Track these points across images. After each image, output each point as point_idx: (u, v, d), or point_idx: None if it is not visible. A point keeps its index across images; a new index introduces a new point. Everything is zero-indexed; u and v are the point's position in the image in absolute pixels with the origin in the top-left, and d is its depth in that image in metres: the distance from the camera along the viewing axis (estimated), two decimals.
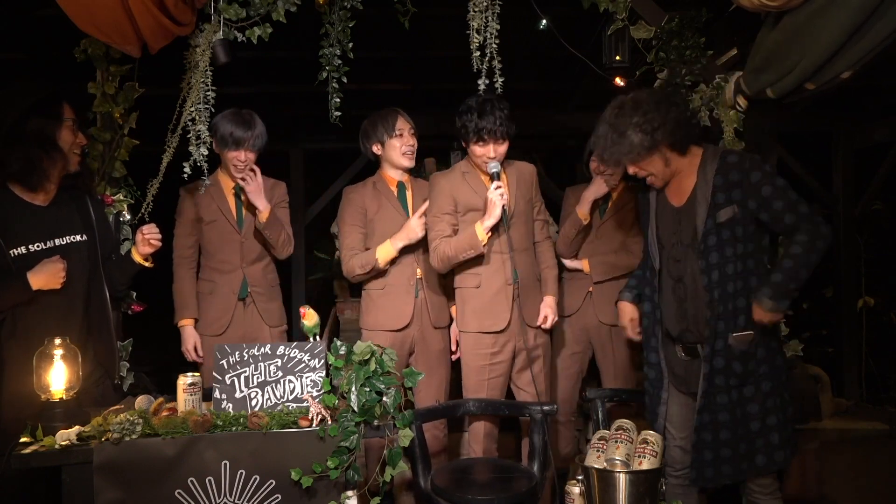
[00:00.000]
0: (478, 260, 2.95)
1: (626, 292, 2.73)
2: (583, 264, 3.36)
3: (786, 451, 2.33)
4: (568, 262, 3.38)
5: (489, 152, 2.89)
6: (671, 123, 2.31)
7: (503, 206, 2.82)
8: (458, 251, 2.89)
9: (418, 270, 3.09)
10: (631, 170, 2.43)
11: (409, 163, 3.11)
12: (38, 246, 2.44)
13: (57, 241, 2.48)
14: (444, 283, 3.18)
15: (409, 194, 3.16)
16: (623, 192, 3.43)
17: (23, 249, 2.42)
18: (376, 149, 3.14)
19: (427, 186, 3.15)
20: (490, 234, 2.87)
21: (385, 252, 3.02)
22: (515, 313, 2.97)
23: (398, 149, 3.07)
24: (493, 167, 2.87)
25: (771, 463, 2.32)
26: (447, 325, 3.22)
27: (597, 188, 3.27)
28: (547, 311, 3.04)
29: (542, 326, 3.04)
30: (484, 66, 2.73)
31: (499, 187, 2.82)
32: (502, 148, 2.91)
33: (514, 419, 3.31)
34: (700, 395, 2.35)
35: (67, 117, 2.49)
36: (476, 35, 2.73)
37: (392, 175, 3.18)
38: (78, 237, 2.55)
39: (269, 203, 3.11)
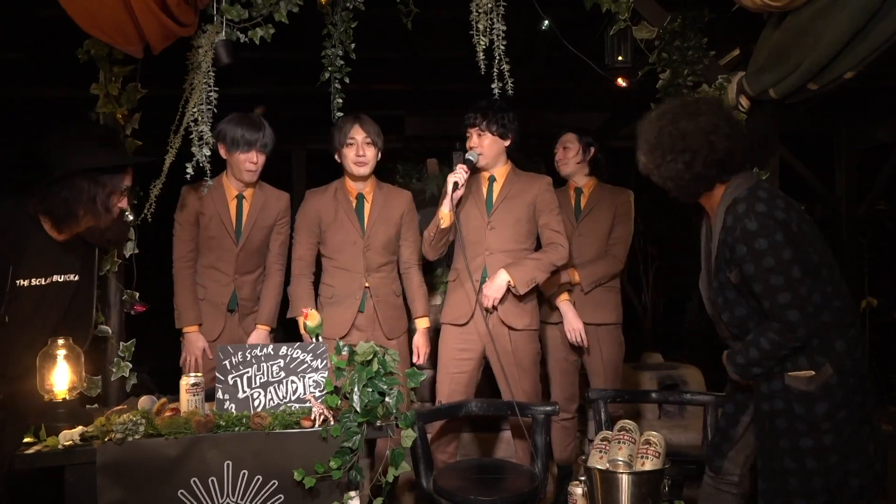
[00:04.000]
0: (459, 254, 3.09)
1: None
2: (570, 274, 3.34)
3: (867, 498, 2.13)
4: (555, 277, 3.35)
5: (472, 142, 3.07)
6: (699, 164, 2.12)
7: (456, 183, 2.94)
8: (429, 230, 3.06)
9: (366, 282, 3.06)
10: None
11: (360, 171, 3.04)
12: (38, 281, 2.43)
13: (55, 279, 2.48)
14: (398, 293, 3.20)
15: (367, 206, 3.10)
16: (595, 189, 3.49)
17: (25, 283, 2.40)
18: (336, 157, 3.13)
19: (391, 196, 3.18)
20: (452, 210, 2.98)
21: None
22: (486, 313, 3.01)
23: (349, 157, 3.03)
24: (469, 155, 3.05)
25: None
26: (403, 334, 3.20)
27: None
28: (490, 287, 2.96)
29: (483, 303, 2.98)
30: (495, 70, 2.74)
31: (461, 167, 2.98)
32: (484, 140, 3.05)
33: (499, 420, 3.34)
34: (763, 437, 2.21)
35: (126, 185, 2.49)
36: (482, 38, 2.73)
37: (352, 185, 3.14)
38: (72, 277, 2.54)
39: (271, 219, 3.16)
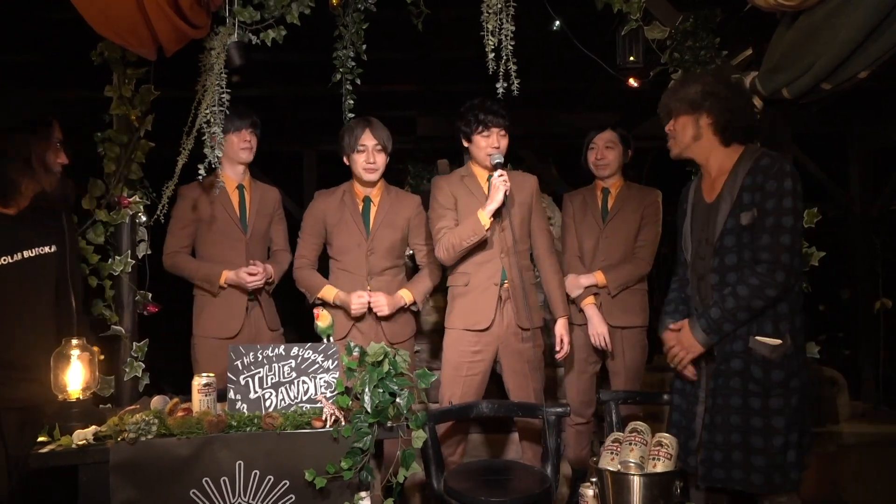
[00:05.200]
0: (468, 259, 3.03)
1: (668, 319, 2.56)
2: (596, 277, 3.31)
3: (799, 471, 2.27)
4: (582, 279, 3.31)
5: (493, 142, 2.98)
6: (734, 105, 2.33)
7: (505, 192, 2.87)
8: (462, 238, 2.94)
9: (368, 285, 3.07)
10: (668, 125, 2.45)
11: (370, 177, 3.05)
12: (5, 259, 2.35)
13: (25, 254, 2.40)
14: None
15: (373, 210, 3.11)
16: (622, 189, 3.43)
17: None
18: (345, 160, 3.13)
19: (399, 200, 3.18)
20: (489, 228, 2.91)
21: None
22: (501, 315, 3.01)
23: (359, 164, 3.04)
24: (497, 158, 2.95)
25: (787, 482, 2.24)
26: (408, 340, 3.18)
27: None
28: (561, 333, 3.05)
29: (557, 354, 3.06)
30: (501, 70, 2.74)
31: (502, 175, 2.88)
32: (504, 141, 3.00)
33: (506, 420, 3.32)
34: (709, 393, 2.34)
35: (56, 138, 2.43)
36: (491, 37, 2.73)
37: (360, 189, 3.15)
38: (46, 248, 2.46)
39: (269, 208, 3.24)
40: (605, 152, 3.39)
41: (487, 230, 2.91)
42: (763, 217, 2.22)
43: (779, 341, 2.23)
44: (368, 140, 3.02)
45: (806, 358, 2.33)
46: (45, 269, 2.46)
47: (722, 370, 2.31)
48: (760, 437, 2.24)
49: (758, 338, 2.25)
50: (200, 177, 2.73)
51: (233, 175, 3.20)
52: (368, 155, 3.02)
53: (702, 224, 2.42)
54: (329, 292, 3.07)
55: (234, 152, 3.15)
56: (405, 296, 3.09)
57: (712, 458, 2.31)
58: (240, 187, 3.20)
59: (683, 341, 2.39)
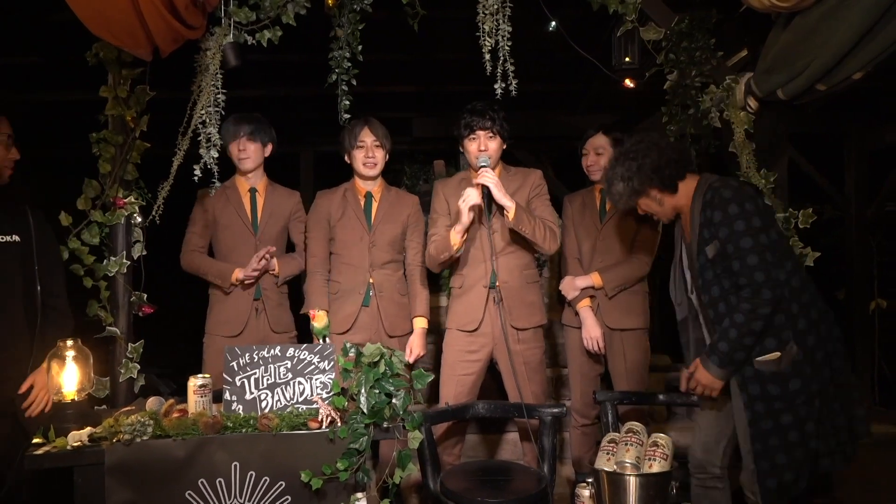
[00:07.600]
0: (463, 260, 3.05)
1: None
2: (593, 279, 3.27)
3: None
4: (578, 281, 3.28)
5: (480, 145, 2.98)
6: (646, 169, 2.35)
7: (478, 205, 2.86)
8: (438, 251, 2.98)
9: (371, 278, 3.11)
10: (640, 210, 2.49)
11: (368, 172, 3.13)
12: None
13: None
14: (402, 293, 3.19)
15: (374, 206, 3.18)
16: None
17: None
18: (346, 159, 3.22)
19: (399, 198, 3.23)
20: (465, 236, 2.93)
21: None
22: (492, 317, 3.00)
23: (359, 159, 3.14)
24: (483, 160, 2.94)
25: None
26: (405, 335, 3.18)
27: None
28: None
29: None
30: (499, 70, 2.74)
31: (478, 185, 2.87)
32: (493, 143, 2.98)
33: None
34: (747, 423, 2.30)
35: (2, 132, 2.47)
36: (488, 38, 2.73)
37: (361, 185, 3.22)
38: (8, 238, 2.51)
39: (285, 212, 3.26)
40: (595, 158, 3.33)
41: (457, 250, 2.93)
42: (724, 246, 2.25)
43: (777, 354, 2.22)
44: (367, 137, 3.11)
45: (825, 357, 2.28)
46: (9, 256, 2.49)
47: (744, 402, 2.29)
48: (802, 449, 2.22)
49: (758, 359, 2.24)
50: (196, 178, 2.72)
51: (245, 179, 3.25)
52: (367, 150, 3.11)
53: (689, 263, 2.45)
54: (321, 318, 2.97)
55: (235, 160, 3.21)
56: (420, 323, 3.15)
57: (767, 486, 2.27)
58: (252, 191, 3.24)
59: (702, 380, 2.35)
